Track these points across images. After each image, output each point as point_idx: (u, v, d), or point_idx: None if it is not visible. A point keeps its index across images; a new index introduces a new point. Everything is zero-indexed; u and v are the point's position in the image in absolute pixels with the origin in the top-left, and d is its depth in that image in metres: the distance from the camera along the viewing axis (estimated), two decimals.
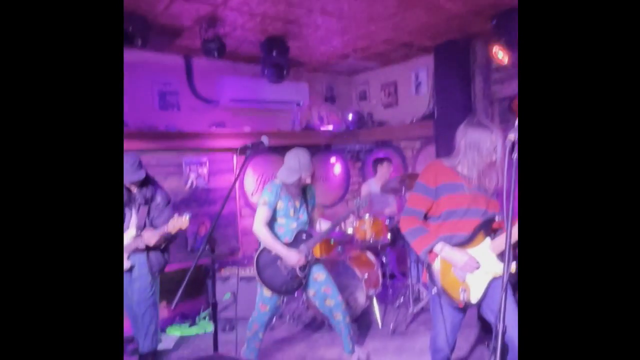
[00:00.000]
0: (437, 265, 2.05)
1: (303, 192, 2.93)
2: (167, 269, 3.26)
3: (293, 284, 2.84)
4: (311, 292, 2.96)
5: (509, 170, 1.42)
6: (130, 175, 2.92)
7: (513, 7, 3.37)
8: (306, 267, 2.86)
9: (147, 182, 3.05)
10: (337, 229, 3.08)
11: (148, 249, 3.02)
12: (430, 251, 2.04)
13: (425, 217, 2.14)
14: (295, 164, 2.76)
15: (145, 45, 3.36)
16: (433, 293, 2.08)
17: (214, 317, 2.21)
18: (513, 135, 1.44)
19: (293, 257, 2.76)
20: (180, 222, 2.92)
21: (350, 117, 5.52)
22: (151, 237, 2.94)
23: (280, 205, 2.82)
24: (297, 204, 2.89)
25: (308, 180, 2.85)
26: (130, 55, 3.96)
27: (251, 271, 4.01)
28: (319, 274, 2.92)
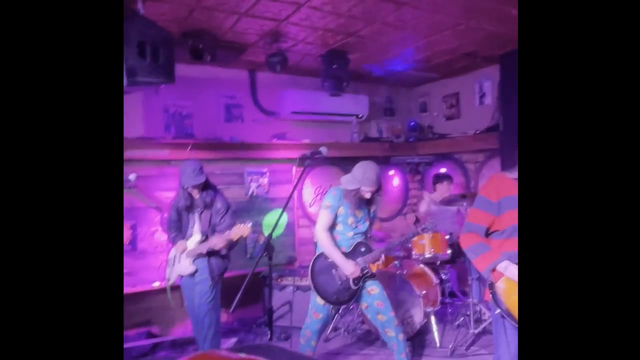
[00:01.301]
0: (501, 285, 1.94)
1: (368, 204, 2.90)
2: (226, 275, 3.38)
3: (345, 295, 2.82)
4: (364, 304, 2.92)
5: None
6: (192, 180, 3.08)
7: None
8: (360, 280, 2.83)
9: (207, 187, 3.20)
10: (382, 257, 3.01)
11: (209, 254, 3.15)
12: (494, 270, 1.94)
13: (488, 234, 2.04)
14: (359, 174, 2.76)
15: (213, 61, 3.56)
16: (496, 314, 1.97)
17: (269, 324, 2.25)
18: None
19: (349, 268, 2.74)
20: (242, 229, 3.03)
21: (411, 125, 5.44)
22: (218, 242, 3.07)
23: (341, 211, 2.82)
24: (359, 214, 2.86)
25: (367, 195, 2.79)
26: (200, 71, 4.22)
27: (307, 281, 4.04)
28: (372, 288, 2.87)
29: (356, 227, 2.86)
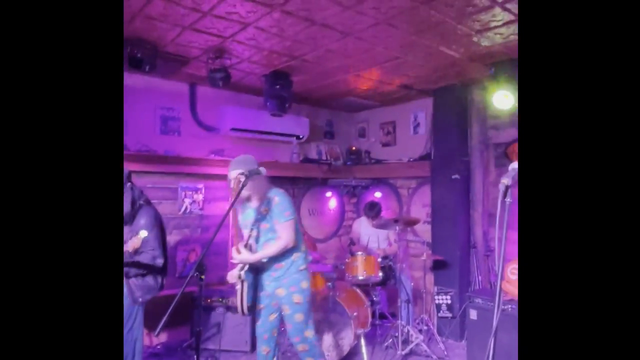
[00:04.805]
0: None
1: (257, 208, 2.77)
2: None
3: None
4: (272, 316, 2.81)
5: (502, 214, 1.45)
6: None
7: (510, 58, 3.50)
8: (238, 282, 2.68)
9: (133, 203, 2.99)
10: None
11: (127, 275, 2.91)
12: None
13: None
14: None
15: (152, 71, 3.44)
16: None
17: (197, 347, 2.15)
18: (507, 180, 1.49)
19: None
20: (135, 241, 2.77)
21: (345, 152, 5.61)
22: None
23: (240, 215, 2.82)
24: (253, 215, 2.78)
25: (230, 183, 2.68)
26: (137, 80, 4.05)
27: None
28: (286, 307, 2.74)
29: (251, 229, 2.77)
